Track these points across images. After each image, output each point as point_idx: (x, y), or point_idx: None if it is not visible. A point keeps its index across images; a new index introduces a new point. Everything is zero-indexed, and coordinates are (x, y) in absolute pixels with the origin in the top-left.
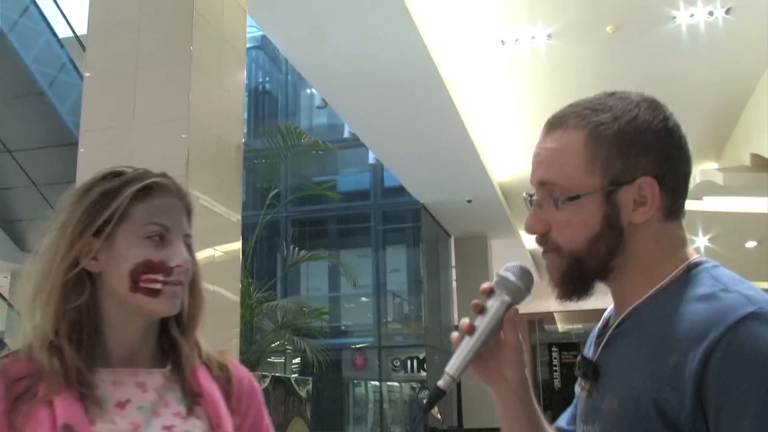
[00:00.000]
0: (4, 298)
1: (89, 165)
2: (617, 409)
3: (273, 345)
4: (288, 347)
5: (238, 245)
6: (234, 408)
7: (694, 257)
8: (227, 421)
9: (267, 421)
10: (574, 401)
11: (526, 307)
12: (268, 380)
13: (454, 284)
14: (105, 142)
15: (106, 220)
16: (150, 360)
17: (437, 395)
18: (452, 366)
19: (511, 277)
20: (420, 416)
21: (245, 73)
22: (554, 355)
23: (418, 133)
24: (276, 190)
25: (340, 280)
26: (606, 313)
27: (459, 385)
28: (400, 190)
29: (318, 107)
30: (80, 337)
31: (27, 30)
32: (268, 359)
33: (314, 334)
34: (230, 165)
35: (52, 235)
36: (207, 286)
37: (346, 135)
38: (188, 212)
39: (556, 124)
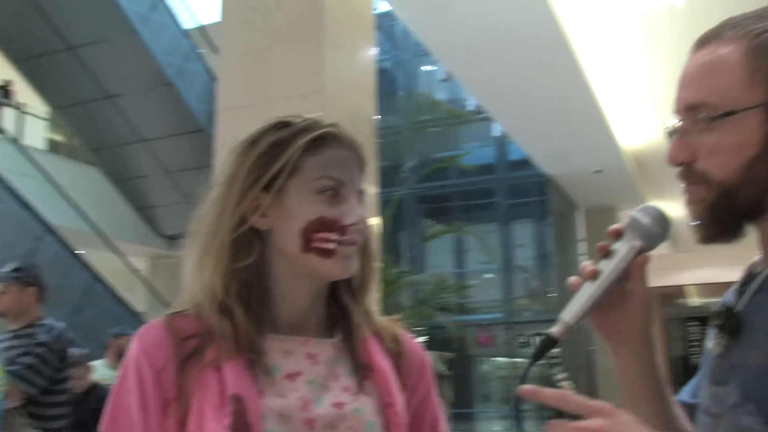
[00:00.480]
0: (144, 281)
1: (226, 144)
2: (764, 365)
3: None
4: (415, 326)
5: (375, 221)
6: (404, 383)
7: None
8: (399, 400)
9: (436, 398)
10: (698, 373)
11: (655, 280)
12: None
13: (584, 258)
14: (241, 120)
15: (276, 174)
16: (318, 329)
17: (549, 343)
18: (568, 313)
19: (645, 218)
20: (529, 365)
21: (375, 42)
22: (691, 329)
23: (544, 101)
24: (412, 163)
25: (465, 257)
26: (749, 264)
27: (593, 358)
28: (525, 163)
29: (442, 80)
30: (249, 300)
31: (155, 24)
32: None
33: (453, 309)
34: (365, 138)
35: (218, 189)
36: None
37: (468, 109)
38: (361, 166)
39: (707, 38)
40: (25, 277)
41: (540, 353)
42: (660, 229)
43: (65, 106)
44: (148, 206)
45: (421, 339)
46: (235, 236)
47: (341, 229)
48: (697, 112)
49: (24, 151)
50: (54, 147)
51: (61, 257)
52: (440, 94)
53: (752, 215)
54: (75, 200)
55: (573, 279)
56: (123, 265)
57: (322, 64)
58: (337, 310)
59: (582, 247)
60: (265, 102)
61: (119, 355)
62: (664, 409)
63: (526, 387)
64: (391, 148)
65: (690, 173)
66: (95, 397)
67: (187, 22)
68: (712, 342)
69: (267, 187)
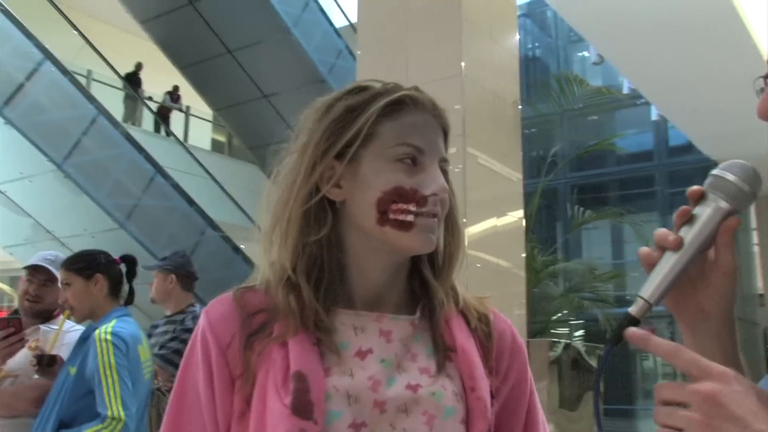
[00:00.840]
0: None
1: None
2: None
3: (557, 315)
4: (571, 318)
5: (520, 208)
6: (492, 367)
7: None
8: (483, 385)
9: (531, 385)
10: None
11: None
12: (560, 348)
13: (756, 248)
14: None
15: (350, 141)
16: (398, 305)
17: (628, 324)
18: (647, 289)
19: (730, 176)
20: (607, 349)
21: (517, 26)
22: None
23: (708, 79)
24: (558, 146)
25: (623, 248)
26: None
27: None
28: (687, 148)
29: (594, 63)
30: (320, 276)
31: (308, 23)
32: (551, 330)
33: (608, 301)
34: (507, 122)
35: (290, 158)
36: (489, 257)
37: (625, 92)
38: (444, 132)
39: None
40: (167, 265)
41: (619, 336)
42: (749, 187)
43: (226, 107)
44: None
45: (578, 332)
46: (306, 208)
47: (420, 200)
48: None
49: (190, 151)
50: (216, 146)
51: (223, 251)
52: (595, 80)
53: None
54: (235, 197)
55: (645, 250)
56: None
57: (461, 49)
58: (419, 286)
59: (754, 237)
60: None
61: None
62: None
63: (634, 330)
64: (545, 136)
65: None
66: None
67: (339, 20)
68: None
69: (341, 155)
